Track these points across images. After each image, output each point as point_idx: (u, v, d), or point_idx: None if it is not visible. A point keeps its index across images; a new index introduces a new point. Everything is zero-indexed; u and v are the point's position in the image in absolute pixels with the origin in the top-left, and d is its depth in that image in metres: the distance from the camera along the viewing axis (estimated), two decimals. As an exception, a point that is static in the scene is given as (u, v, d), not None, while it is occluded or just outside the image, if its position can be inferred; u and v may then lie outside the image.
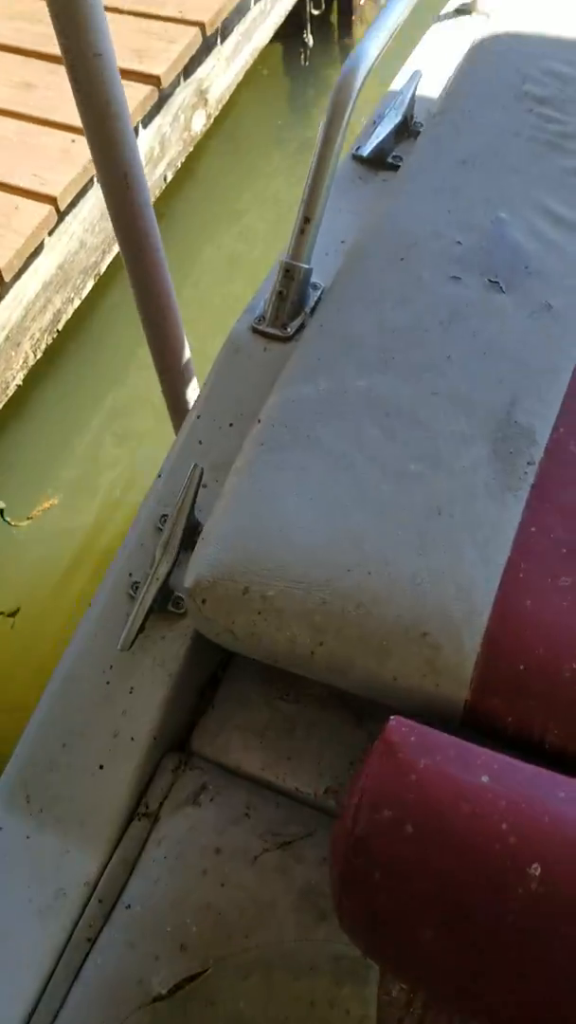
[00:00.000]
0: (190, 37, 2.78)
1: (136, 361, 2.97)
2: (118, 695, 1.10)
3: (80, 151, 2.44)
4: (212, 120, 3.21)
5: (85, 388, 2.92)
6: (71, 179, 2.38)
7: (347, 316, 1.17)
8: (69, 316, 2.63)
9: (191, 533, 1.12)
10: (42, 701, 1.15)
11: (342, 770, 1.06)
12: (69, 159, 2.42)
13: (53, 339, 2.59)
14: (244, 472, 1.06)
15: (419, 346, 1.12)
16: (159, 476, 1.25)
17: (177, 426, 2.22)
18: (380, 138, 1.52)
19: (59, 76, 2.69)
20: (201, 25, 2.81)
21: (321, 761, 1.07)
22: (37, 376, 2.58)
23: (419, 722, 0.82)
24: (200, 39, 2.83)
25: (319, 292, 1.33)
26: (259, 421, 1.12)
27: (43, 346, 2.55)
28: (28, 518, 2.56)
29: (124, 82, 2.52)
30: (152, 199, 2.80)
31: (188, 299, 2.55)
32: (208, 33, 2.85)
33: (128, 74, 2.65)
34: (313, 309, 1.31)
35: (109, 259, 2.75)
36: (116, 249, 2.77)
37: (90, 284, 2.69)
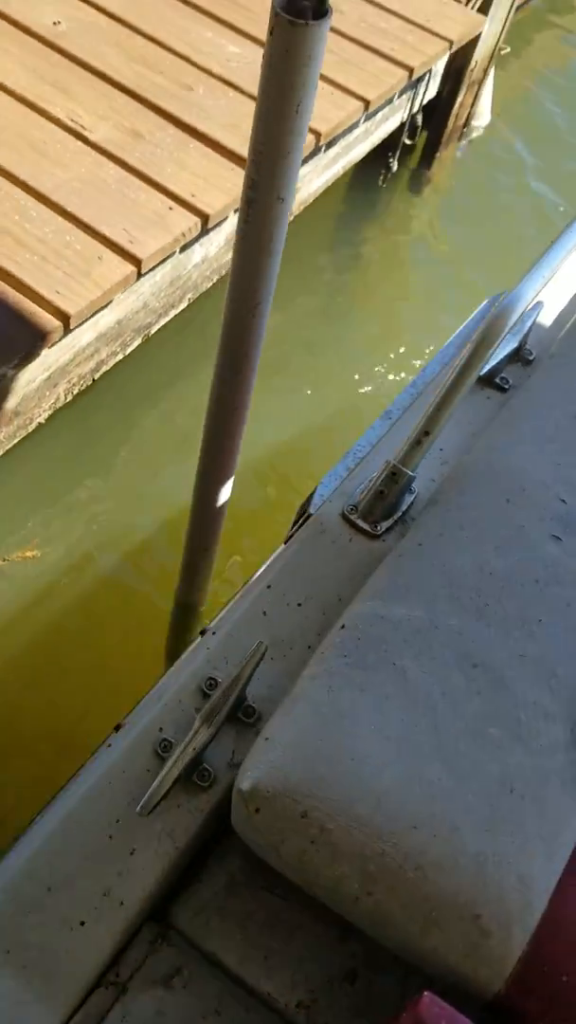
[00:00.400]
0: (306, 143, 2.81)
1: (157, 412, 2.94)
2: (118, 853, 1.06)
3: (175, 220, 2.43)
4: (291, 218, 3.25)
5: (100, 436, 2.87)
6: (160, 247, 2.36)
7: (448, 545, 1.19)
8: (109, 367, 2.59)
9: (237, 706, 1.10)
10: (40, 826, 1.10)
11: (318, 984, 1.03)
12: (163, 225, 2.41)
13: (87, 385, 2.54)
14: (322, 680, 1.04)
15: (514, 599, 1.13)
16: (211, 632, 1.22)
17: (203, 537, 2.19)
18: (497, 360, 1.55)
19: (169, 135, 2.69)
20: (318, 135, 2.85)
21: (299, 969, 1.04)
22: (59, 417, 2.52)
23: (447, 1000, 0.81)
24: (312, 146, 2.88)
25: (413, 497, 1.34)
26: (343, 627, 1.11)
27: (76, 390, 2.50)
28: (4, 559, 2.48)
29: (232, 166, 2.54)
30: (216, 280, 2.80)
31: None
32: (321, 143, 2.89)
33: (238, 160, 2.67)
34: (405, 512, 1.32)
35: (163, 322, 2.73)
36: (172, 314, 2.75)
37: (138, 341, 2.66)
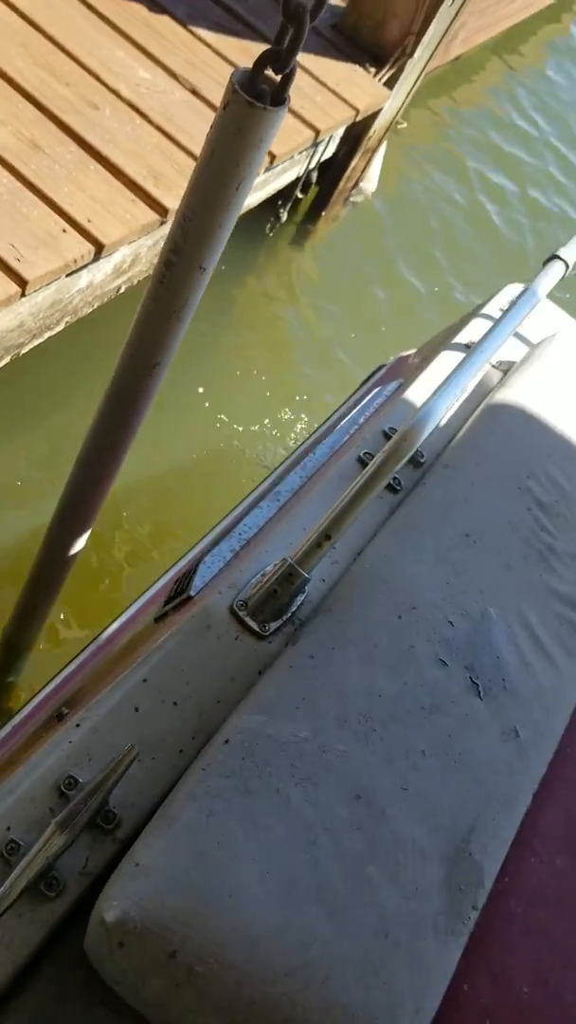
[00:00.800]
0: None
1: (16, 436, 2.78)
2: None
3: (68, 245, 2.32)
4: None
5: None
6: (49, 271, 2.24)
7: (340, 661, 1.17)
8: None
9: (96, 812, 1.02)
10: None
11: None
12: (55, 247, 2.29)
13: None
14: (203, 803, 0.99)
15: (400, 726, 1.12)
16: (76, 725, 1.12)
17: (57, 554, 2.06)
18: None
19: (69, 152, 2.58)
20: (222, 181, 2.81)
21: None
22: None
23: None
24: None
25: (303, 597, 1.31)
26: (227, 741, 1.06)
27: None
28: None
29: (132, 197, 2.45)
30: (97, 306, 2.70)
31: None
32: (223, 190, 2.85)
33: (140, 192, 2.59)
34: (294, 613, 1.28)
35: (35, 343, 2.60)
36: (46, 335, 2.63)
37: (6, 360, 2.51)
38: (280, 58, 1.21)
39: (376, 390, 2.01)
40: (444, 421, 1.71)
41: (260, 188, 3.44)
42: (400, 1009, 0.92)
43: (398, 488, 1.55)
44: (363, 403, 1.95)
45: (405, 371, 2.52)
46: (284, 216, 4.14)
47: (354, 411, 1.92)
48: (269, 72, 1.24)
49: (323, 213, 4.43)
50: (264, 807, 0.99)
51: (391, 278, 4.54)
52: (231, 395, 3.53)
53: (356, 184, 4.58)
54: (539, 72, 6.40)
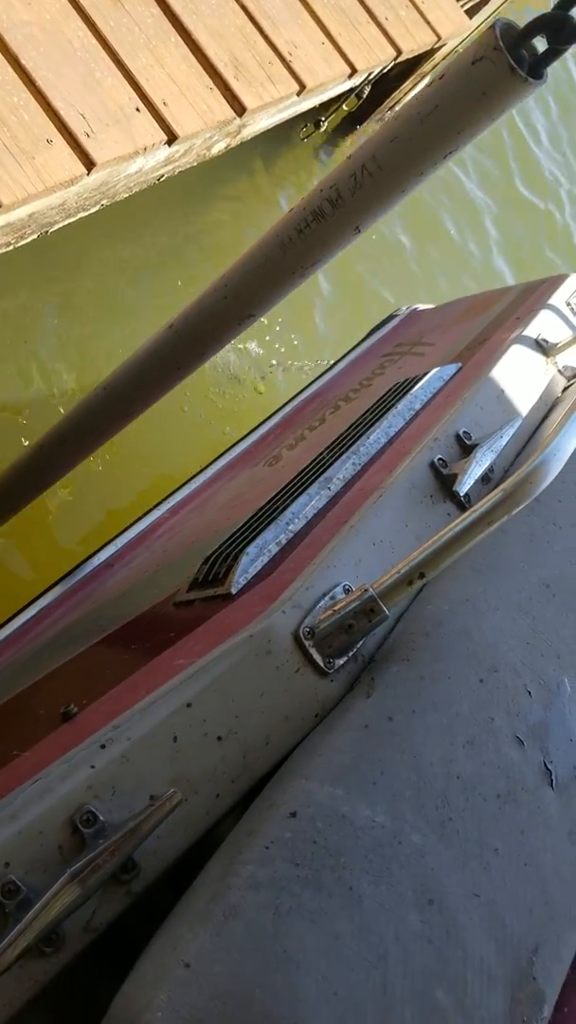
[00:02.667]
0: (287, 91, 2.49)
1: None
2: None
3: (141, 128, 2.04)
4: (227, 148, 2.90)
5: None
6: (118, 155, 1.98)
7: (420, 729, 1.04)
8: None
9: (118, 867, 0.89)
10: None
11: None
12: (126, 128, 2.01)
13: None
14: (267, 896, 0.85)
15: (475, 817, 1.01)
16: (100, 746, 0.95)
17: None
18: (473, 479, 1.39)
19: (151, 14, 2.25)
20: (302, 87, 2.54)
21: None
22: None
23: None
24: (292, 96, 2.56)
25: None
26: (293, 814, 0.92)
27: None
28: None
29: (211, 85, 2.18)
30: (140, 184, 2.44)
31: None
32: (301, 95, 2.58)
33: (219, 81, 2.30)
34: (358, 649, 1.13)
35: (67, 222, 2.32)
36: (79, 215, 2.34)
37: (34, 236, 2.23)
38: (563, 29, 1.01)
39: (432, 373, 1.83)
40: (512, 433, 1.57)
41: (317, 95, 3.14)
42: None
43: (467, 505, 1.41)
44: (418, 386, 1.76)
45: (434, 333, 2.37)
46: (324, 125, 3.83)
47: (406, 398, 1.73)
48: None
49: (358, 127, 4.13)
50: (335, 909, 0.87)
51: (411, 213, 4.31)
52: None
53: (397, 105, 4.30)
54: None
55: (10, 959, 0.79)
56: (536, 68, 1.06)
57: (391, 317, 2.86)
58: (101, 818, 0.89)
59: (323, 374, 2.69)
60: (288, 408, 2.57)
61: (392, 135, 1.17)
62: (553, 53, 1.04)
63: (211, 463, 2.35)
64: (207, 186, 3.46)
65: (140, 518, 2.18)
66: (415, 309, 2.86)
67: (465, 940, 0.92)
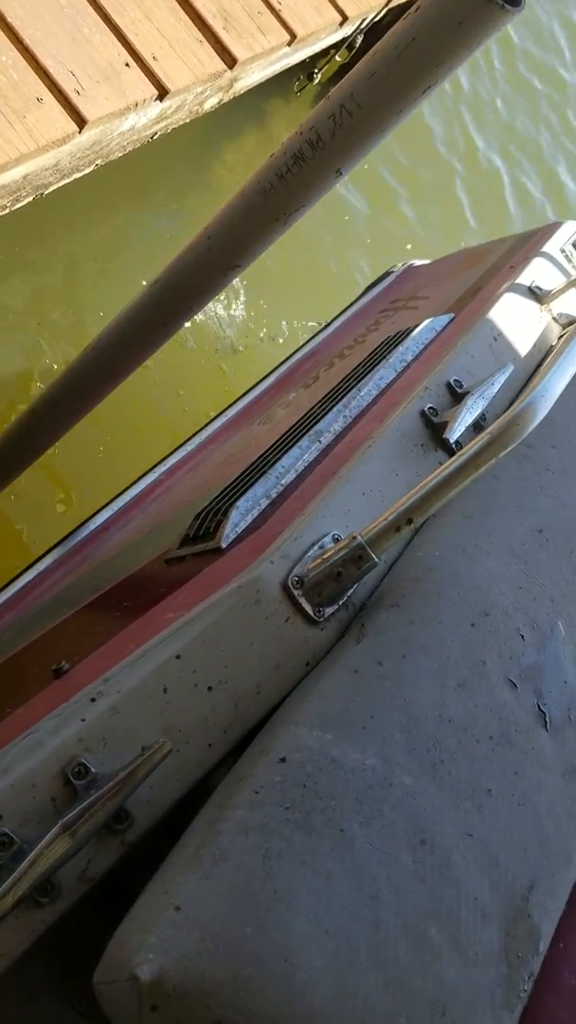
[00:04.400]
0: (279, 42, 2.48)
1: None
2: None
3: (131, 83, 2.05)
4: (220, 103, 2.89)
5: None
6: (109, 111, 1.98)
7: (410, 673, 1.05)
8: None
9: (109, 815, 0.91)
10: None
11: None
12: (116, 84, 2.02)
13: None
14: (257, 839, 0.86)
15: (467, 758, 1.02)
16: (90, 699, 0.96)
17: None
18: (464, 426, 1.39)
19: None
20: (293, 36, 2.52)
21: None
22: None
23: None
24: (283, 47, 2.54)
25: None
26: (283, 759, 0.93)
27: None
28: None
29: (200, 38, 2.17)
30: (134, 143, 2.44)
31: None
32: (292, 46, 2.57)
33: (208, 34, 2.29)
34: (348, 597, 1.14)
35: (61, 183, 2.33)
36: (73, 176, 2.35)
37: (29, 199, 2.24)
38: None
39: (424, 324, 1.83)
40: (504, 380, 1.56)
41: (309, 45, 3.11)
42: None
43: (457, 451, 1.41)
44: (410, 337, 1.76)
45: (429, 287, 2.36)
46: (318, 77, 3.80)
47: (397, 349, 1.73)
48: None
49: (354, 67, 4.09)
50: (326, 850, 0.88)
51: (403, 167, 4.27)
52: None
53: (391, 54, 4.24)
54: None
55: (5, 908, 0.81)
56: (512, -5, 1.06)
57: (387, 273, 2.85)
58: (93, 770, 0.90)
59: (318, 332, 2.70)
60: (283, 367, 2.58)
61: (370, 72, 1.18)
62: (527, -24, 1.04)
63: (206, 424, 2.37)
64: (201, 144, 3.45)
65: (136, 481, 2.20)
66: (411, 264, 2.84)
67: (458, 879, 0.93)
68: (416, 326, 1.79)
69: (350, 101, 1.21)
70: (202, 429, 2.35)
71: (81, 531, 2.06)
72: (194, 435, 2.34)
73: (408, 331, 1.80)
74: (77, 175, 2.38)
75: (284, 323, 3.42)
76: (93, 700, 0.95)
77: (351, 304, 2.76)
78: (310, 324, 3.43)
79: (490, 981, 0.91)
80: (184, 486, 1.96)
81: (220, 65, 2.28)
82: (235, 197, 1.37)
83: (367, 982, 0.83)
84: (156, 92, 2.08)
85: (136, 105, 2.04)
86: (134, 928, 0.80)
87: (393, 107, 1.19)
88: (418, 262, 2.82)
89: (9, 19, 1.90)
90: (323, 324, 2.74)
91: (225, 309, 3.26)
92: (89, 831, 0.85)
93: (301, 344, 2.66)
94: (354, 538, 1.06)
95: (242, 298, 3.29)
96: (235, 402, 2.46)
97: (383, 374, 1.64)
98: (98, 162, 2.42)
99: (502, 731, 1.06)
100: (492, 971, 0.91)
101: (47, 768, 0.90)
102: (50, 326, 2.77)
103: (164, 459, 2.25)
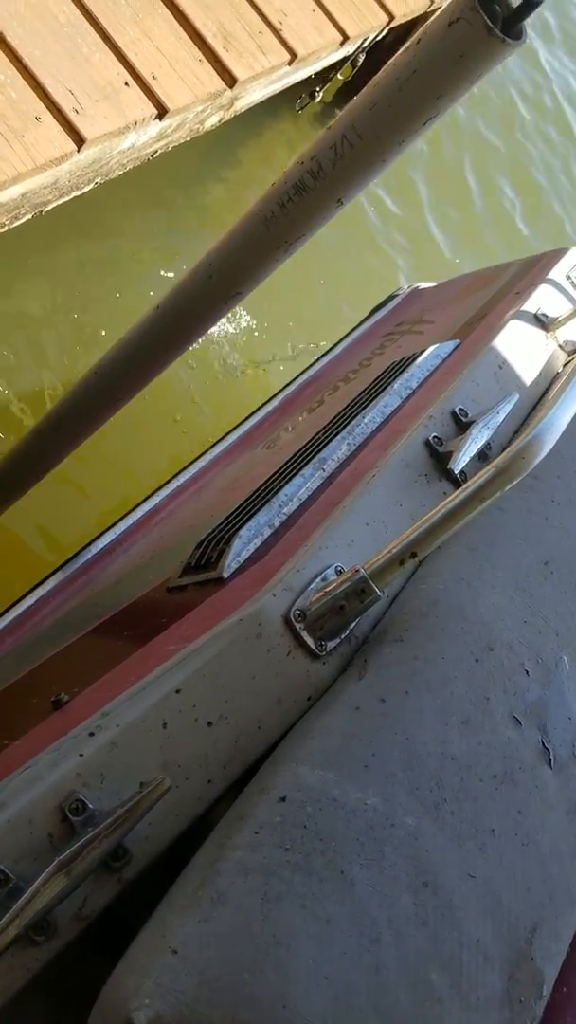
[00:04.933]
0: (278, 61, 2.47)
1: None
2: None
3: (130, 102, 2.04)
4: (220, 122, 2.88)
5: None
6: (108, 130, 1.98)
7: (413, 710, 1.03)
8: None
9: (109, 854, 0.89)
10: None
11: None
12: (116, 103, 2.01)
13: None
14: (256, 881, 0.85)
15: (470, 798, 1.00)
16: (89, 733, 0.95)
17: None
18: (469, 456, 1.37)
19: None
20: (293, 56, 2.52)
21: None
22: None
23: None
24: (283, 66, 2.54)
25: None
26: (283, 799, 0.92)
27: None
28: None
29: (200, 57, 2.16)
30: (133, 161, 2.43)
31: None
32: (293, 65, 2.56)
33: (208, 53, 2.29)
34: (351, 630, 1.12)
35: (61, 201, 2.32)
36: (72, 195, 2.34)
37: (28, 217, 2.23)
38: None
39: (430, 351, 1.82)
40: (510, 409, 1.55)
41: (310, 64, 3.11)
42: None
43: (463, 483, 1.40)
44: (415, 364, 1.75)
45: (435, 311, 2.36)
46: (319, 95, 3.80)
47: (402, 376, 1.72)
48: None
49: (354, 97, 4.09)
50: (326, 892, 0.86)
51: (404, 185, 4.27)
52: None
53: (391, 72, 4.24)
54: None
55: (1, 946, 0.80)
56: (512, 24, 1.05)
57: (392, 296, 2.85)
58: (91, 806, 0.89)
59: (322, 356, 2.69)
60: (287, 391, 2.57)
61: (371, 103, 1.17)
62: (528, 6, 1.03)
63: (210, 448, 2.36)
64: (201, 161, 3.45)
65: (139, 505, 2.19)
66: (417, 287, 2.84)
67: (461, 921, 0.91)
68: (421, 352, 1.79)
69: (351, 132, 1.21)
70: (205, 452, 2.34)
71: (83, 555, 2.04)
72: (197, 458, 2.33)
73: (413, 357, 1.79)
74: (76, 193, 2.37)
75: (289, 345, 3.41)
76: (92, 735, 0.94)
77: (356, 326, 2.75)
78: (312, 346, 3.42)
79: None
80: (187, 511, 1.95)
81: (220, 84, 2.27)
82: (236, 225, 1.36)
83: None
84: (155, 111, 2.07)
85: (135, 124, 2.03)
86: (130, 970, 0.79)
87: (394, 138, 1.19)
88: (424, 285, 2.82)
89: (8, 38, 1.89)
90: (328, 347, 2.73)
91: (228, 329, 3.25)
92: (86, 869, 0.84)
93: (305, 368, 2.65)
94: (357, 571, 1.05)
95: (245, 318, 3.28)
96: (239, 425, 2.45)
97: (387, 401, 1.63)
98: (97, 180, 2.41)
99: (505, 769, 1.04)
100: (495, 1016, 0.89)
101: (44, 804, 0.89)
102: (54, 341, 2.76)
103: (167, 483, 2.24)
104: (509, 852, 0.99)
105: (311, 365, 2.63)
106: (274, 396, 2.56)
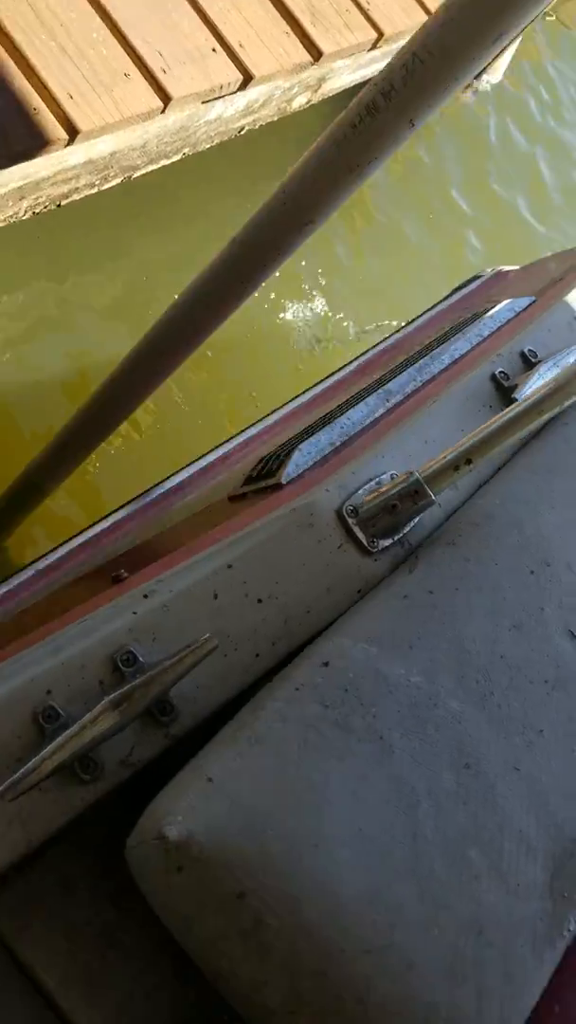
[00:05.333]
0: (366, 39, 2.52)
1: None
2: None
3: (216, 67, 2.11)
4: (308, 104, 2.94)
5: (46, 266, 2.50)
6: (194, 92, 2.04)
7: (463, 606, 1.04)
8: (79, 198, 2.24)
9: (155, 699, 0.92)
10: None
11: None
12: (202, 67, 2.08)
13: (49, 210, 2.18)
14: (295, 728, 0.86)
15: (520, 697, 1.00)
16: (143, 595, 0.98)
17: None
18: (535, 388, 1.38)
19: None
20: (380, 34, 2.56)
21: (124, 1008, 0.88)
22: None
23: None
24: (370, 44, 2.59)
25: (418, 518, 1.16)
26: (326, 663, 0.93)
27: (39, 210, 2.15)
28: None
29: (287, 30, 2.22)
30: (221, 135, 2.49)
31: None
32: (379, 43, 2.61)
33: (295, 26, 2.35)
34: (405, 535, 1.13)
35: (149, 168, 2.40)
36: (161, 163, 2.42)
37: (118, 180, 2.32)
38: None
39: (504, 304, 1.82)
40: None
41: (398, 44, 3.16)
42: (486, 1019, 0.82)
43: (516, 399, 1.40)
44: (488, 315, 1.76)
45: (517, 287, 2.35)
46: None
47: (475, 325, 1.73)
48: None
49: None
50: (364, 753, 0.87)
51: (477, 185, 4.25)
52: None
53: (480, 74, 4.26)
54: None
55: (47, 771, 0.82)
56: None
57: (475, 278, 2.85)
58: (141, 659, 0.92)
59: (399, 329, 2.71)
60: (363, 358, 2.60)
61: (443, 20, 1.19)
62: None
63: (279, 407, 2.39)
64: (293, 147, 3.50)
65: (210, 451, 2.24)
66: (500, 270, 2.84)
67: (503, 809, 0.91)
68: (495, 304, 1.79)
69: (422, 50, 1.23)
70: (274, 411, 2.38)
71: (154, 491, 2.10)
72: (268, 415, 2.37)
73: (487, 309, 1.80)
74: (165, 161, 2.45)
75: (365, 325, 3.44)
76: (146, 596, 0.97)
77: (437, 303, 2.76)
78: (393, 323, 3.45)
79: (532, 913, 0.88)
80: (252, 457, 1.99)
81: (306, 57, 2.33)
82: (309, 152, 1.40)
83: (400, 889, 0.81)
84: (241, 77, 2.13)
85: (221, 87, 2.10)
86: (168, 796, 0.81)
87: (466, 54, 1.20)
88: (507, 268, 2.82)
89: (102, 1, 1.98)
90: (405, 323, 2.75)
91: (304, 308, 3.29)
92: (135, 709, 0.86)
93: (381, 339, 2.68)
94: (411, 474, 1.06)
95: (322, 297, 3.32)
96: (311, 387, 2.48)
97: (458, 346, 1.65)
98: (186, 151, 2.49)
99: (559, 677, 1.04)
100: (535, 904, 0.89)
101: (97, 652, 0.92)
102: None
103: (238, 433, 2.28)
104: (558, 755, 0.99)
105: (387, 337, 2.65)
106: (347, 363, 2.59)
